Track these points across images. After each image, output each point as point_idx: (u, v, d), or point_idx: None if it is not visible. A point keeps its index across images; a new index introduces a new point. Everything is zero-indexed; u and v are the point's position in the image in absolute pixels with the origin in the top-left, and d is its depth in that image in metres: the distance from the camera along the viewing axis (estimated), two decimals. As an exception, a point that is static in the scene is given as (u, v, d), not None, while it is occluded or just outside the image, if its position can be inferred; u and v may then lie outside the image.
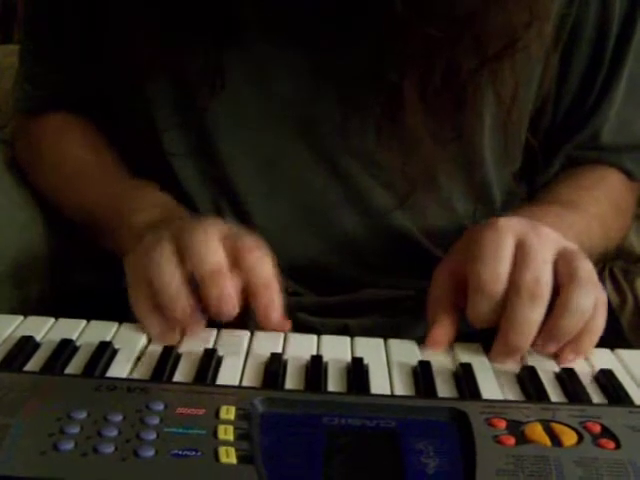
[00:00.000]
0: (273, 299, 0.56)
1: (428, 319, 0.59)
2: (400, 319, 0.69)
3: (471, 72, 0.63)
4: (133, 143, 0.75)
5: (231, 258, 0.56)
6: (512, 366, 0.55)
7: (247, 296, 0.56)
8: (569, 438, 0.44)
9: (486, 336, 0.57)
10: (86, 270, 0.76)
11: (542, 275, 0.54)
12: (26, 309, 0.61)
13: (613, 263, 0.81)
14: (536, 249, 0.55)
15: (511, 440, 0.44)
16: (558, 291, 0.55)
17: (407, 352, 0.57)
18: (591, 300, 0.54)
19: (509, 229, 0.56)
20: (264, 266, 0.57)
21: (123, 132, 0.76)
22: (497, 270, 0.55)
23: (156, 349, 0.55)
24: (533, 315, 0.54)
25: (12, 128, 0.83)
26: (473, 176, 0.71)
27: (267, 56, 0.67)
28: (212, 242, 0.55)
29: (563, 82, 0.72)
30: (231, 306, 0.55)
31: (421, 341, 0.58)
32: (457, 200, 0.72)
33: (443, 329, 0.58)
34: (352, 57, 0.65)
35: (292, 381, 0.52)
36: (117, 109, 0.75)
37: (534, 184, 0.78)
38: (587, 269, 0.55)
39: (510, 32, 0.62)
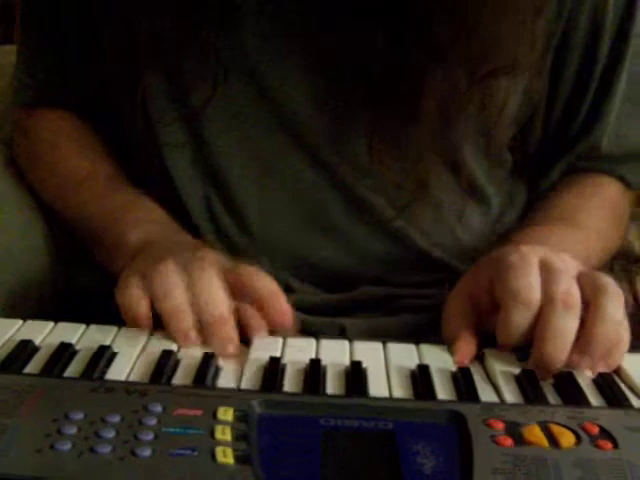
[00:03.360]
0: (282, 307, 0.58)
1: (446, 337, 0.59)
2: (398, 318, 0.69)
3: (464, 89, 0.64)
4: (127, 135, 0.75)
5: (232, 285, 0.57)
6: (512, 368, 0.55)
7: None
8: (567, 439, 0.44)
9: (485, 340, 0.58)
10: (86, 272, 0.76)
11: (572, 288, 0.55)
12: (26, 311, 0.61)
13: (613, 262, 0.81)
14: (560, 266, 0.56)
15: (509, 441, 0.44)
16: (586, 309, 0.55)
17: (405, 355, 0.57)
18: (622, 311, 0.55)
19: (532, 252, 0.57)
20: (267, 280, 0.58)
21: (118, 123, 0.76)
22: (530, 279, 0.55)
23: (155, 352, 0.55)
24: (568, 324, 0.54)
25: (10, 125, 0.83)
26: (459, 176, 0.72)
27: (263, 54, 0.68)
28: (218, 291, 0.57)
29: (555, 90, 0.72)
30: (233, 349, 0.56)
31: (419, 342, 0.59)
32: (446, 199, 0.72)
33: (468, 344, 0.57)
34: (349, 61, 0.66)
35: (290, 384, 0.52)
36: (113, 100, 0.75)
37: (535, 189, 0.79)
38: (613, 284, 0.56)
39: (503, 52, 0.63)
